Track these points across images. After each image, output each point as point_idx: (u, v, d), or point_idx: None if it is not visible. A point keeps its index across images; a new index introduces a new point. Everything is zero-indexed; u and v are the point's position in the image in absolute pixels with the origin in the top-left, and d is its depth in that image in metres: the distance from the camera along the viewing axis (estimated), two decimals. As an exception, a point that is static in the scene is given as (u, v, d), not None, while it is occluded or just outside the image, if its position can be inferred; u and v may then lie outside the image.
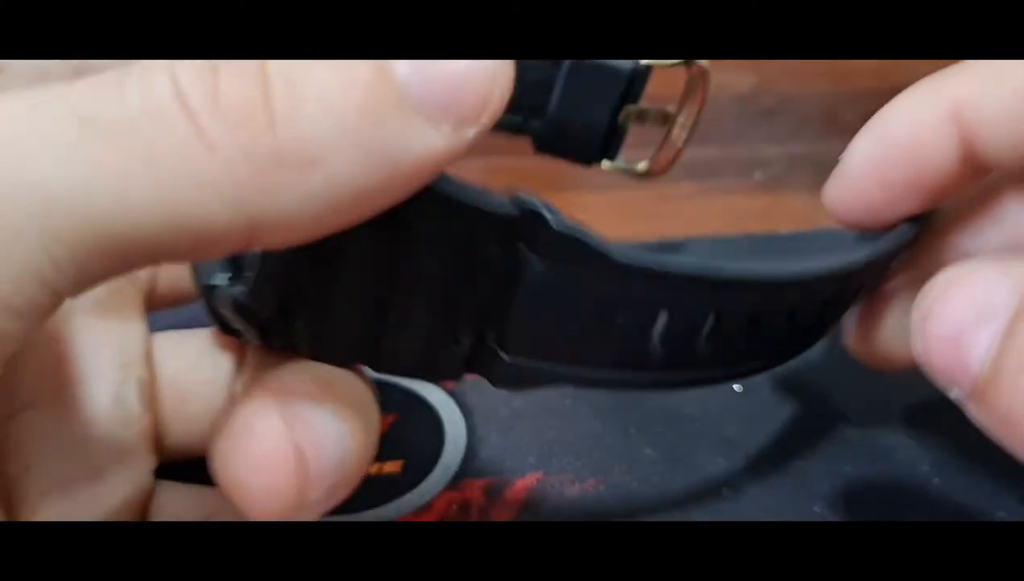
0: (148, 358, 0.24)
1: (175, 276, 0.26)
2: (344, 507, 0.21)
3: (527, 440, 0.32)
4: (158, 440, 0.24)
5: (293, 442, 0.19)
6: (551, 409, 0.33)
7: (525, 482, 0.31)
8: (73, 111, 0.15)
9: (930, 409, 0.33)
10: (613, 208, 0.44)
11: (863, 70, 0.53)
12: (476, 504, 0.30)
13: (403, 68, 0.16)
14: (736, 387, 0.34)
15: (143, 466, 0.23)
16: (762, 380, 0.35)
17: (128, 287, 0.25)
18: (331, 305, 0.20)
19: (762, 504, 0.30)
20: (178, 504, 0.24)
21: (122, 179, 0.15)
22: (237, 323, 0.21)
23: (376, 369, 0.22)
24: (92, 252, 0.15)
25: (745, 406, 0.34)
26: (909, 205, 0.28)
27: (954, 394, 0.21)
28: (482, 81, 0.16)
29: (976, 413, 0.21)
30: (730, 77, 0.54)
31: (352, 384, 0.21)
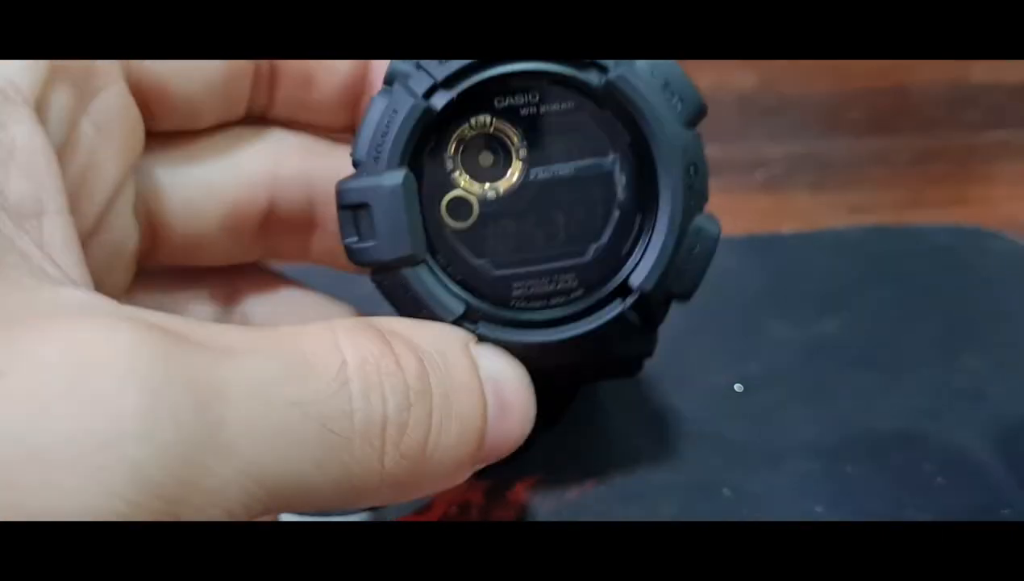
0: None
1: None
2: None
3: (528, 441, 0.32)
4: None
5: None
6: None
7: (525, 483, 0.31)
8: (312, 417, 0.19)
9: (931, 409, 0.33)
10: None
11: (865, 69, 0.52)
12: (477, 504, 0.30)
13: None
14: (736, 387, 0.34)
15: None
16: (762, 380, 0.35)
17: None
18: None
19: (762, 504, 0.30)
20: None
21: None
22: None
23: None
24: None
25: (745, 406, 0.34)
26: None
27: None
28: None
29: None
30: (732, 76, 0.54)
31: None
